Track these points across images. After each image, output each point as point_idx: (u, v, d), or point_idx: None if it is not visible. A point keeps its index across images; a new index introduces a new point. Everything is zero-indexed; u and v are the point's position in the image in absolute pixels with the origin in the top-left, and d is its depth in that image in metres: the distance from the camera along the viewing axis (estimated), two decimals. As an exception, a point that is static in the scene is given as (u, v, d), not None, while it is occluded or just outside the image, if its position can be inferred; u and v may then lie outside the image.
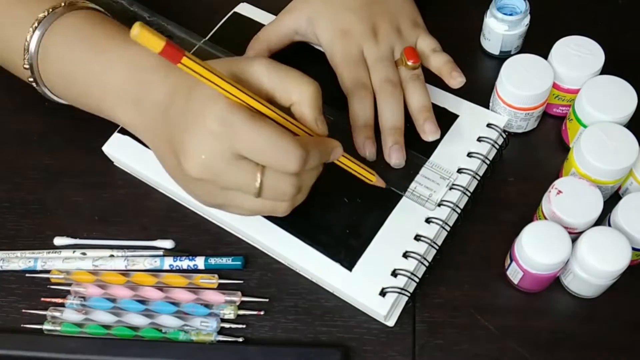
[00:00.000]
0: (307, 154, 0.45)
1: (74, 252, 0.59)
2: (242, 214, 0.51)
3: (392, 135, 0.58)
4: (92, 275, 0.58)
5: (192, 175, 0.46)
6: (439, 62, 0.61)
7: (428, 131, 0.58)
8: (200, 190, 0.49)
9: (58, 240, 0.60)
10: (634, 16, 0.70)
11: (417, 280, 0.55)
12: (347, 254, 0.55)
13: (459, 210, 0.57)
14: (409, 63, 0.59)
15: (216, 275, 0.57)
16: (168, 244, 0.59)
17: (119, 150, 0.62)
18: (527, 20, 0.65)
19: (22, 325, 0.57)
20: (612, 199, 0.57)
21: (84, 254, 0.59)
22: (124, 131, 0.62)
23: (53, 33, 0.55)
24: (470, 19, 0.69)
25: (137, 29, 0.39)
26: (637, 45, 0.68)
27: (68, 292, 0.57)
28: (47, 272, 0.58)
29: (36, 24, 0.55)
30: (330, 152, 0.50)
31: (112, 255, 0.58)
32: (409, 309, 0.56)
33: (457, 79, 0.60)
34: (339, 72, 0.61)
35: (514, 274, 0.55)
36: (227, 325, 0.56)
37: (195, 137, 0.45)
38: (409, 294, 0.54)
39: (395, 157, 0.58)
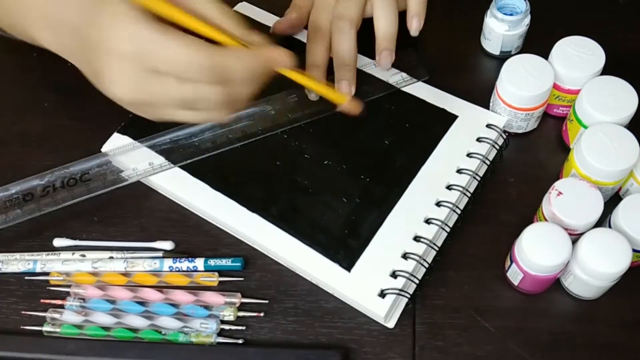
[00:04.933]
0: (220, 64, 0.43)
1: (73, 254, 0.59)
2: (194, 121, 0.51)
3: (341, 71, 0.60)
4: (91, 277, 0.58)
5: (125, 100, 0.45)
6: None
7: (383, 64, 0.60)
8: (143, 110, 0.47)
9: (57, 242, 0.60)
10: (634, 16, 0.70)
11: (417, 281, 0.55)
12: (345, 254, 0.55)
13: (458, 211, 0.57)
14: None
15: (216, 273, 0.57)
16: (167, 245, 0.59)
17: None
18: (527, 20, 0.64)
19: (21, 327, 0.57)
20: (613, 200, 0.57)
21: (83, 255, 0.59)
22: (123, 132, 0.62)
23: None
24: (470, 19, 0.68)
25: None
26: (638, 45, 0.68)
27: (67, 293, 0.57)
28: (47, 274, 0.58)
29: None
30: (269, 61, 0.46)
31: (111, 257, 0.58)
32: (409, 310, 0.55)
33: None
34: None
35: (514, 276, 0.54)
36: (226, 327, 0.56)
37: (111, 63, 0.43)
38: (408, 295, 0.54)
39: (345, 88, 0.59)
